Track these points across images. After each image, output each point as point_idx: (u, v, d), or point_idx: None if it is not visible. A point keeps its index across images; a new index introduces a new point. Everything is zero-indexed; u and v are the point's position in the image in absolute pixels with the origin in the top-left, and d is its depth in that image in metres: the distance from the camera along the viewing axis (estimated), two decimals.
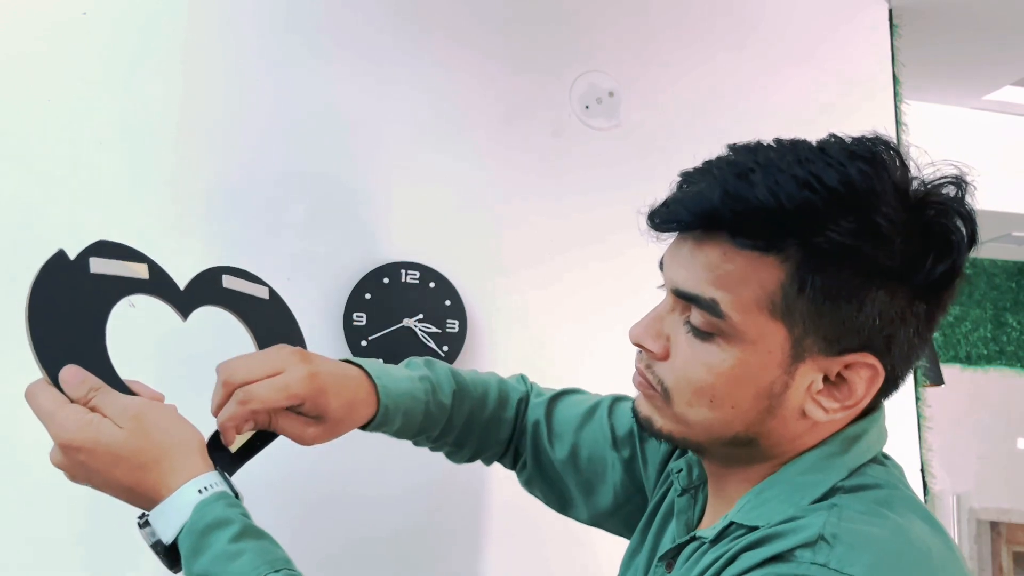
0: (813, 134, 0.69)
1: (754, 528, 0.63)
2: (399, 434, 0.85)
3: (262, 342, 0.80)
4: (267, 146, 1.27)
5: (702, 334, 0.65)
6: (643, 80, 1.50)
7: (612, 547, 1.39)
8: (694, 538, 0.68)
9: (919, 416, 1.59)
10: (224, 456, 0.74)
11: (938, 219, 0.61)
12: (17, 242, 1.14)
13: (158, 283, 0.77)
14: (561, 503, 0.94)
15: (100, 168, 1.18)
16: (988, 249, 3.27)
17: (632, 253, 1.44)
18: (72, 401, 0.69)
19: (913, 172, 0.63)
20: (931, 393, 1.75)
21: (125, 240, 1.03)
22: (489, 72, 1.41)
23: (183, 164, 1.22)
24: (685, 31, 1.55)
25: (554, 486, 0.93)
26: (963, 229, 0.62)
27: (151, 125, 1.21)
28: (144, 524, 0.67)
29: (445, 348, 1.30)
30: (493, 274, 1.36)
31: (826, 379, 0.63)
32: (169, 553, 0.67)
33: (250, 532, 0.66)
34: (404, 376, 0.84)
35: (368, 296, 1.26)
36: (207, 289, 0.79)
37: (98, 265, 0.74)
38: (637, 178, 1.45)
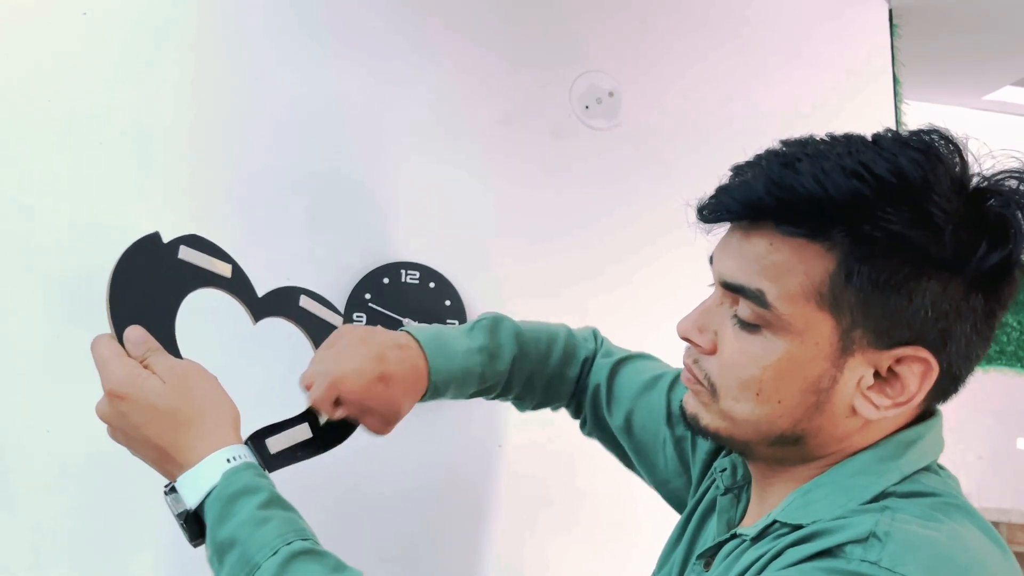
0: (811, 133, 0.69)
1: (798, 527, 0.61)
2: (456, 398, 0.88)
3: None
4: (267, 146, 1.26)
5: (749, 326, 0.63)
6: (643, 80, 1.50)
7: (615, 549, 1.39)
8: (735, 536, 0.67)
9: None
10: (264, 453, 0.76)
11: (994, 209, 0.59)
12: (17, 242, 1.14)
13: (237, 284, 0.82)
14: (623, 461, 0.96)
15: (100, 168, 1.18)
16: None
17: (631, 252, 1.45)
18: (129, 357, 0.72)
19: (974, 166, 0.61)
20: None
21: (127, 237, 1.02)
22: (489, 72, 1.41)
23: (183, 164, 1.22)
24: (685, 32, 1.55)
25: (612, 445, 0.95)
26: (1022, 219, 0.59)
27: (151, 125, 1.21)
28: (170, 491, 0.69)
29: None
30: (493, 274, 1.36)
31: (877, 375, 0.61)
32: (193, 522, 0.67)
33: (278, 501, 0.68)
34: (461, 350, 0.86)
35: (368, 296, 1.26)
36: (283, 303, 0.84)
37: (186, 253, 0.79)
38: (637, 178, 1.45)
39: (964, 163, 0.61)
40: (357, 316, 1.26)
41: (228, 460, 0.68)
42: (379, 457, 1.23)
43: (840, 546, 0.56)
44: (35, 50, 1.18)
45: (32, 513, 1.10)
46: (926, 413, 0.66)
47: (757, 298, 0.62)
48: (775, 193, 0.60)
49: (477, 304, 1.32)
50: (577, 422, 0.99)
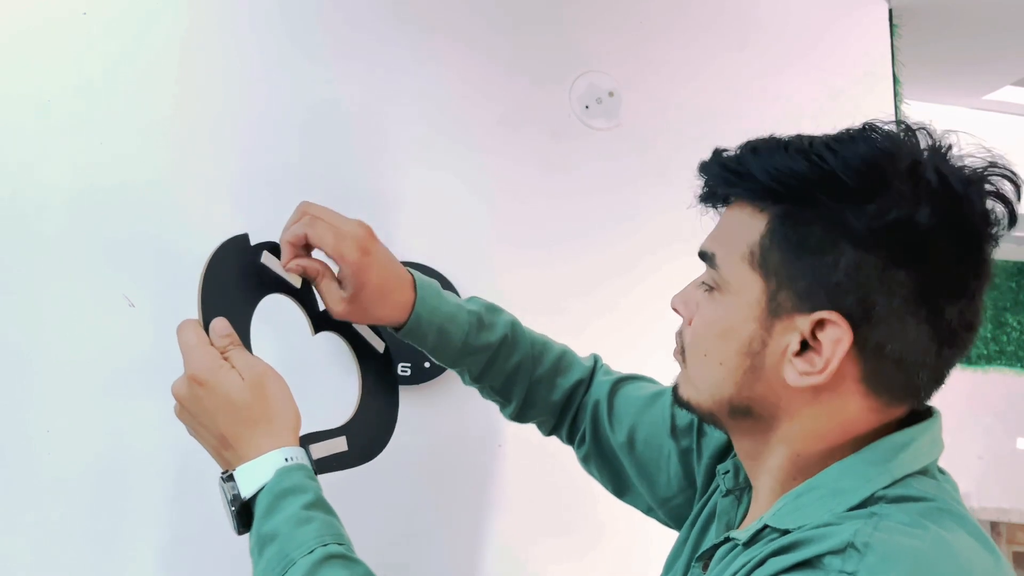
0: (812, 133, 0.69)
1: (787, 532, 0.61)
2: (437, 355, 0.90)
3: (365, 388, 0.90)
4: (267, 148, 1.26)
5: (707, 290, 0.68)
6: (643, 80, 1.50)
7: (617, 550, 1.39)
8: (728, 539, 0.67)
9: None
10: (308, 457, 0.80)
11: (914, 177, 0.61)
12: (16, 243, 1.14)
13: (305, 296, 0.88)
14: (617, 486, 0.95)
15: (100, 168, 1.18)
16: None
17: (632, 253, 1.45)
18: (212, 347, 0.76)
19: (945, 158, 0.63)
20: None
21: (127, 236, 1.03)
22: (488, 72, 1.41)
23: (183, 164, 1.22)
24: (685, 32, 1.55)
25: (611, 466, 0.94)
26: (935, 184, 0.60)
27: (152, 125, 1.21)
28: (227, 479, 0.73)
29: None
30: (493, 274, 1.36)
31: (805, 345, 0.62)
32: (242, 512, 0.72)
33: (322, 504, 0.72)
34: (453, 302, 0.90)
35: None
36: (338, 320, 0.88)
37: (267, 259, 0.85)
38: (637, 178, 1.45)
39: (924, 156, 0.63)
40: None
41: (285, 459, 0.72)
42: (380, 461, 1.23)
43: (819, 557, 0.56)
44: (35, 50, 1.17)
45: (32, 513, 1.10)
46: (922, 415, 0.66)
47: (709, 260, 0.68)
48: (722, 163, 0.67)
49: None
50: (573, 449, 0.99)
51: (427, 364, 1.30)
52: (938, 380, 0.65)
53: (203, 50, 1.26)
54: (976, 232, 0.61)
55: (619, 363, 1.45)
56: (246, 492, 0.71)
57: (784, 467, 0.67)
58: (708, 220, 0.74)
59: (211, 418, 0.73)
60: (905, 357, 0.62)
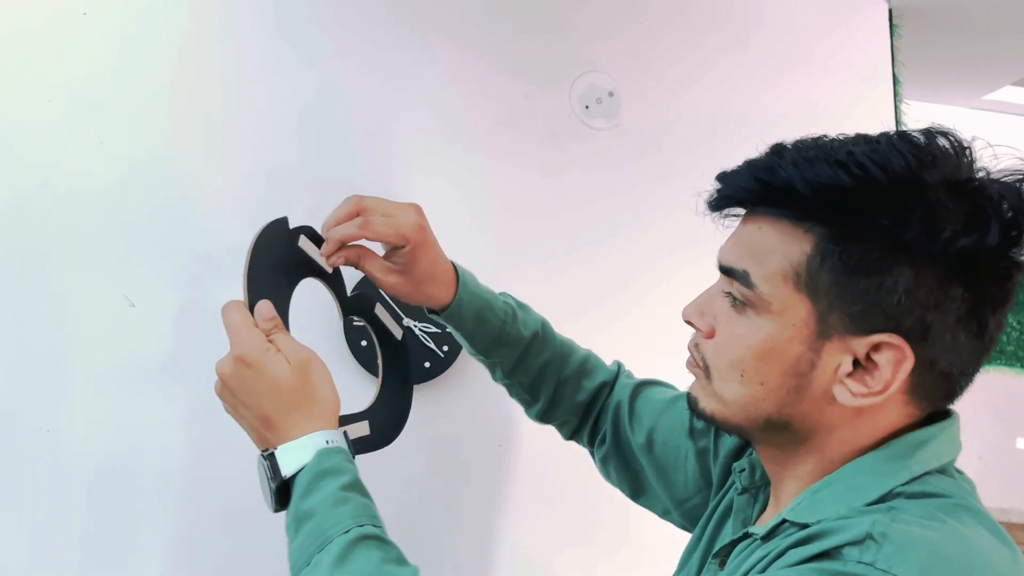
0: (811, 133, 0.69)
1: (805, 526, 0.62)
2: (473, 341, 0.92)
3: (385, 374, 0.93)
4: (266, 146, 1.27)
5: (738, 308, 0.66)
6: (643, 80, 1.50)
7: (623, 551, 1.39)
8: (747, 535, 0.68)
9: None
10: None
11: (972, 194, 0.59)
12: (15, 243, 1.14)
13: (336, 281, 0.90)
14: (634, 488, 0.96)
15: (100, 168, 1.18)
16: None
17: (632, 253, 1.45)
18: (257, 328, 0.77)
19: (977, 165, 0.62)
20: None
21: (127, 237, 1.03)
22: (488, 72, 1.41)
23: (183, 164, 1.22)
24: (685, 32, 1.55)
25: (629, 467, 0.95)
26: (1002, 206, 0.59)
27: (152, 126, 1.21)
28: (268, 457, 0.74)
29: (445, 348, 1.30)
30: (493, 274, 1.36)
31: (857, 364, 0.62)
32: (280, 490, 0.73)
33: (359, 486, 0.73)
34: (488, 291, 0.94)
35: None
36: (363, 306, 0.92)
37: (304, 243, 0.85)
38: (637, 178, 1.45)
39: (960, 161, 0.61)
40: (357, 318, 1.26)
41: (326, 442, 0.74)
42: (380, 461, 1.23)
43: (838, 548, 0.56)
44: (35, 50, 1.18)
45: (32, 513, 1.10)
46: (940, 414, 0.66)
47: (743, 278, 0.65)
48: (759, 176, 0.63)
49: None
50: (592, 452, 1.00)
51: (427, 364, 1.30)
52: (970, 384, 0.65)
53: (203, 50, 1.26)
54: (1019, 248, 0.61)
55: (617, 359, 1.45)
56: (286, 471, 0.73)
57: (814, 472, 0.67)
58: (712, 222, 0.72)
59: (256, 399, 0.74)
60: (955, 371, 0.62)
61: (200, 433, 1.17)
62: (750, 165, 0.64)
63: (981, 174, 0.61)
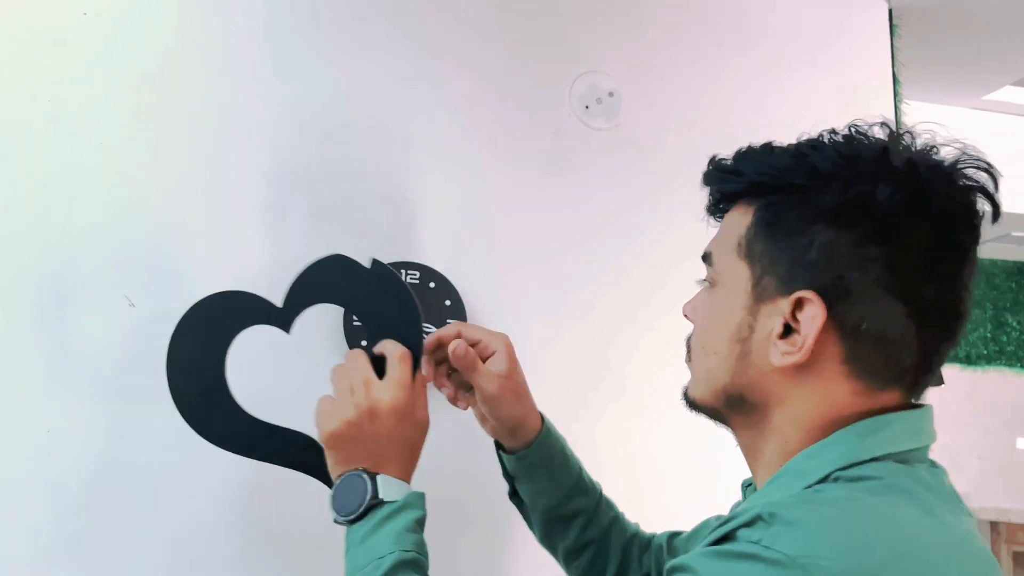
0: (812, 133, 0.69)
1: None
2: (555, 479, 0.95)
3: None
4: (267, 147, 1.26)
5: (708, 289, 0.73)
6: (643, 80, 1.49)
7: None
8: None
9: None
10: None
11: (878, 156, 0.65)
12: (15, 244, 1.14)
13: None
14: None
15: (101, 169, 1.18)
16: (988, 249, 3.27)
17: (632, 253, 1.44)
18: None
19: (914, 148, 0.67)
20: (931, 393, 1.74)
21: (127, 237, 1.02)
22: (489, 72, 1.41)
23: (183, 164, 1.22)
24: (685, 31, 1.55)
25: None
26: (898, 166, 0.64)
27: (153, 125, 1.21)
28: (371, 477, 0.81)
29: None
30: (493, 274, 1.36)
31: (789, 329, 0.65)
32: (357, 509, 0.80)
33: (422, 525, 0.82)
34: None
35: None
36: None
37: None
38: (637, 178, 1.45)
39: (892, 139, 0.67)
40: (356, 317, 1.26)
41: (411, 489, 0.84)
42: None
43: (735, 531, 0.58)
44: (35, 50, 1.17)
45: (32, 513, 1.10)
46: (903, 404, 0.66)
47: (708, 259, 0.73)
48: (721, 167, 0.72)
49: (477, 303, 1.32)
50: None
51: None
52: (926, 366, 0.66)
53: (204, 51, 1.25)
54: (945, 216, 0.64)
55: (617, 359, 1.46)
56: (387, 496, 0.80)
57: (776, 460, 0.68)
58: (709, 223, 0.76)
59: (392, 437, 0.83)
60: (885, 335, 0.63)
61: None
62: (711, 159, 0.73)
63: (908, 153, 0.66)
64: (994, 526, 3.26)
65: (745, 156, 0.70)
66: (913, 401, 0.68)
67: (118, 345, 1.15)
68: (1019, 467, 3.39)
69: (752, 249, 0.68)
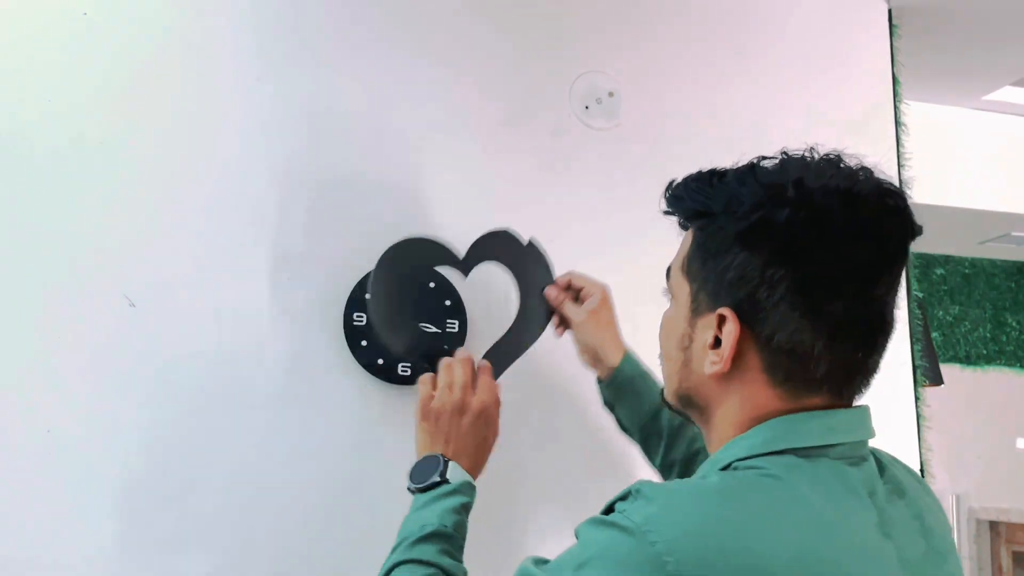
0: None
1: None
2: (642, 398, 1.10)
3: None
4: (267, 146, 1.27)
5: (670, 298, 0.82)
6: (643, 80, 1.50)
7: None
8: None
9: (919, 416, 1.59)
10: None
11: (788, 185, 0.69)
12: (15, 245, 1.14)
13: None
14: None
15: (101, 169, 1.18)
16: (988, 249, 3.27)
17: (631, 253, 1.44)
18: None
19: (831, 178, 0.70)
20: (931, 393, 1.75)
21: (127, 237, 1.02)
22: (489, 72, 1.41)
23: (184, 164, 1.22)
24: (685, 32, 1.55)
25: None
26: (792, 194, 0.69)
27: (153, 125, 1.21)
28: (445, 461, 0.98)
29: (445, 348, 1.30)
30: (493, 274, 1.36)
31: (718, 340, 0.72)
32: (424, 483, 0.97)
33: (468, 511, 0.97)
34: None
35: (368, 295, 1.26)
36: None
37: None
38: (637, 178, 1.45)
39: (813, 167, 0.71)
40: (357, 316, 1.26)
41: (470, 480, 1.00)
42: (382, 462, 1.23)
43: (612, 504, 0.68)
44: (35, 50, 1.18)
45: (32, 513, 1.10)
46: (819, 405, 0.71)
47: (667, 273, 0.81)
48: (673, 194, 0.79)
49: (477, 303, 1.32)
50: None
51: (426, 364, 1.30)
52: (845, 373, 0.71)
53: (206, 51, 1.26)
54: (847, 237, 0.68)
55: None
56: (453, 478, 0.97)
57: (711, 452, 0.76)
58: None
59: (471, 432, 1.01)
60: (795, 348, 0.69)
61: (200, 433, 1.17)
62: (667, 186, 0.80)
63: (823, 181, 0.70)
64: (994, 526, 3.25)
65: (685, 184, 0.77)
66: (845, 403, 0.72)
67: (118, 345, 1.16)
68: (1019, 467, 3.39)
69: (691, 268, 0.76)
